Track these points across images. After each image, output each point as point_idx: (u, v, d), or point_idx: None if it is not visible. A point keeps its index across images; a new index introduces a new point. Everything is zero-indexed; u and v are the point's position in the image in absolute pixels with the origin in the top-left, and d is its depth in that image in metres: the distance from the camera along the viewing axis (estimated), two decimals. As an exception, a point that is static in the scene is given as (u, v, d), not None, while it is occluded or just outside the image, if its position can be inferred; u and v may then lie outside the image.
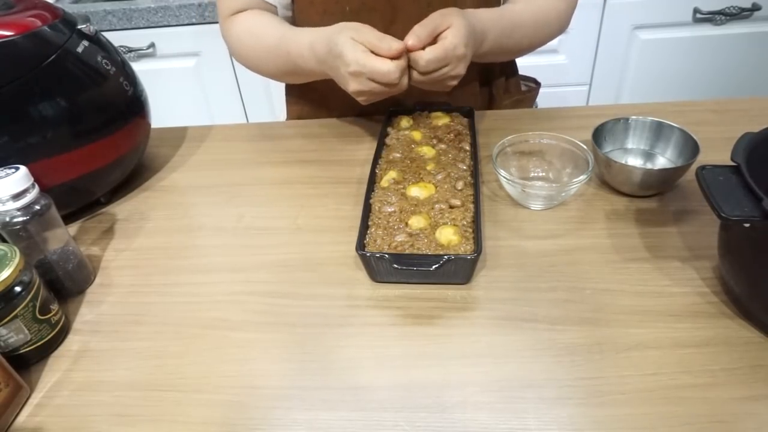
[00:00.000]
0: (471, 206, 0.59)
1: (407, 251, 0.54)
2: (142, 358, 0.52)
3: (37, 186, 0.54)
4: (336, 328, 0.53)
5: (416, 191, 0.61)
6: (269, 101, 1.60)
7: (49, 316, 0.52)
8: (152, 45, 1.48)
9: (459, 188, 0.62)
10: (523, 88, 0.95)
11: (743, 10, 1.39)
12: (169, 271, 0.62)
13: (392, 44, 0.61)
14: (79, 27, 0.66)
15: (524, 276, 0.56)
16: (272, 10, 0.80)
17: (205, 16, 1.42)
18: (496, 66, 0.88)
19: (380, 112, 0.79)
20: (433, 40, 0.63)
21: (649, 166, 0.68)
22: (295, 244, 0.63)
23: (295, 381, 0.48)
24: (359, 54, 0.61)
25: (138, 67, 1.28)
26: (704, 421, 0.42)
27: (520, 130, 0.69)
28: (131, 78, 0.72)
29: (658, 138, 0.68)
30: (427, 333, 0.51)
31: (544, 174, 0.69)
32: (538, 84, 0.96)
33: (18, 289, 0.48)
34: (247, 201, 0.71)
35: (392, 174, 0.64)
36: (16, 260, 0.48)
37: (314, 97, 0.89)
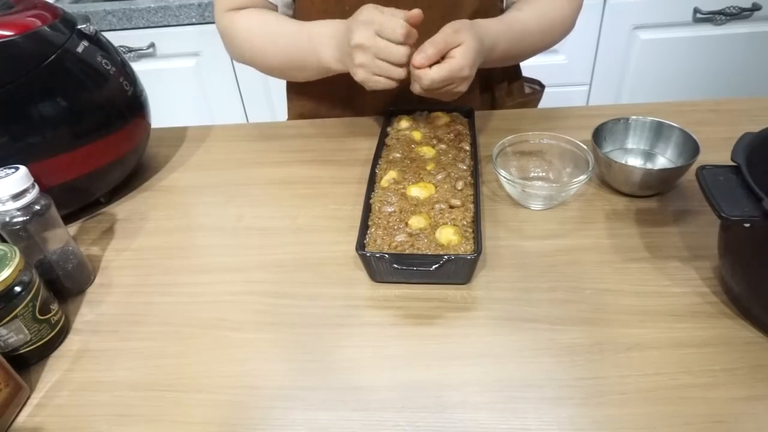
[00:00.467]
0: (471, 206, 0.59)
1: (407, 251, 0.54)
2: (142, 358, 0.52)
3: (37, 186, 0.54)
4: (336, 328, 0.53)
5: (416, 191, 0.61)
6: (269, 101, 1.60)
7: (49, 316, 0.52)
8: (152, 45, 1.48)
9: (459, 188, 0.62)
10: (527, 90, 0.94)
11: (743, 10, 1.39)
12: (169, 271, 0.62)
13: (400, 31, 0.61)
14: (79, 27, 0.66)
15: (524, 276, 0.56)
16: (273, 9, 0.80)
17: (205, 16, 1.42)
18: (499, 70, 0.88)
19: (380, 112, 0.79)
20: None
21: (649, 166, 0.68)
22: (295, 244, 0.63)
23: (295, 381, 0.48)
24: (370, 31, 0.61)
25: (138, 67, 1.28)
26: (704, 421, 0.42)
27: (520, 130, 0.69)
28: (131, 78, 0.72)
29: (658, 138, 0.68)
30: (427, 333, 0.51)
31: (544, 174, 0.69)
32: (542, 87, 0.96)
33: (18, 289, 0.48)
34: (247, 201, 0.71)
35: (392, 174, 0.64)
36: (16, 260, 0.48)
37: (315, 94, 0.89)
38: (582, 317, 0.51)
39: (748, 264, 0.48)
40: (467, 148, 0.69)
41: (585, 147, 0.64)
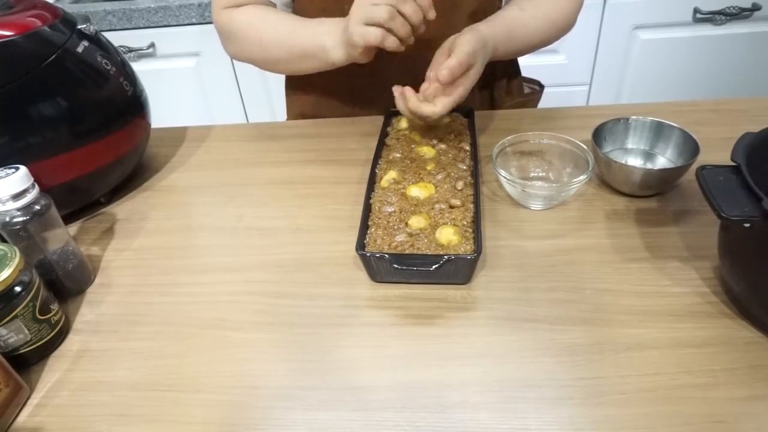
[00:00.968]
0: (471, 206, 0.59)
1: (407, 251, 0.54)
2: (142, 358, 0.52)
3: (37, 186, 0.54)
4: (336, 328, 0.53)
5: (416, 191, 0.61)
6: (269, 101, 1.60)
7: (49, 316, 0.52)
8: (152, 45, 1.48)
9: (459, 188, 0.62)
10: (527, 90, 0.94)
11: (743, 10, 1.39)
12: (169, 271, 0.62)
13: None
14: (79, 27, 0.66)
15: (524, 276, 0.56)
16: (272, 6, 0.80)
17: (205, 16, 1.42)
18: (498, 68, 0.88)
19: (380, 112, 0.79)
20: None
21: (649, 166, 0.68)
22: (295, 244, 0.63)
23: (295, 381, 0.48)
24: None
25: (138, 67, 1.28)
26: (704, 421, 0.42)
27: (520, 130, 0.69)
28: (131, 78, 0.72)
29: (658, 138, 0.68)
30: (427, 333, 0.51)
31: (544, 174, 0.69)
32: (541, 87, 0.95)
33: (18, 289, 0.48)
34: (247, 201, 0.71)
35: (392, 174, 0.64)
36: (16, 260, 0.48)
37: (315, 93, 0.89)
38: (582, 317, 0.51)
39: (748, 264, 0.48)
40: (467, 148, 0.69)
41: (585, 147, 0.64)
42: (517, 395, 0.45)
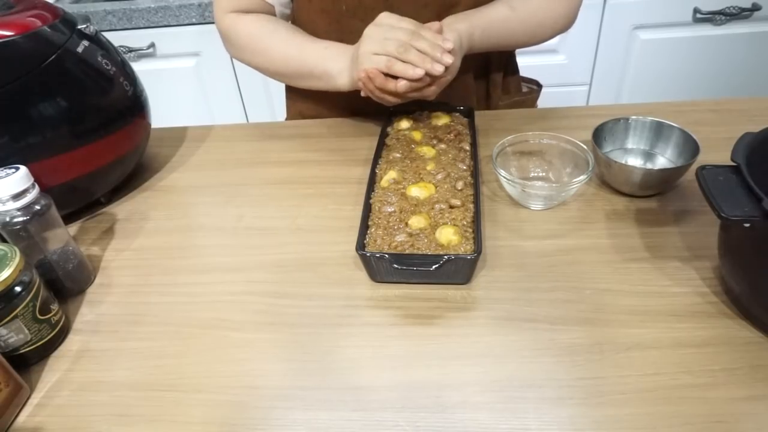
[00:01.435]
0: (471, 206, 0.59)
1: (407, 251, 0.54)
2: (142, 358, 0.52)
3: (37, 186, 0.54)
4: (336, 328, 0.53)
5: (416, 191, 0.61)
6: (269, 101, 1.60)
7: (49, 316, 0.52)
8: (152, 45, 1.48)
9: (459, 188, 0.62)
10: (525, 89, 0.94)
11: (743, 10, 1.39)
12: (169, 271, 0.62)
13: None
14: (79, 27, 0.66)
15: (524, 276, 0.56)
16: (270, 9, 0.80)
17: (205, 16, 1.42)
18: (493, 60, 0.86)
19: (380, 112, 0.79)
20: None
21: (649, 166, 0.68)
22: (295, 244, 0.63)
23: (295, 381, 0.48)
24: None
25: (138, 67, 1.28)
26: (704, 421, 0.42)
27: (520, 130, 0.69)
28: (131, 78, 0.72)
29: (658, 138, 0.68)
30: (427, 333, 0.51)
31: (544, 174, 0.69)
32: (539, 86, 0.95)
33: (18, 289, 0.48)
34: (247, 201, 0.71)
35: (392, 174, 0.64)
36: (16, 260, 0.48)
37: (315, 93, 0.89)
38: (582, 317, 0.51)
39: (748, 264, 0.48)
40: (467, 148, 0.69)
41: (585, 147, 0.64)
42: (517, 395, 0.45)
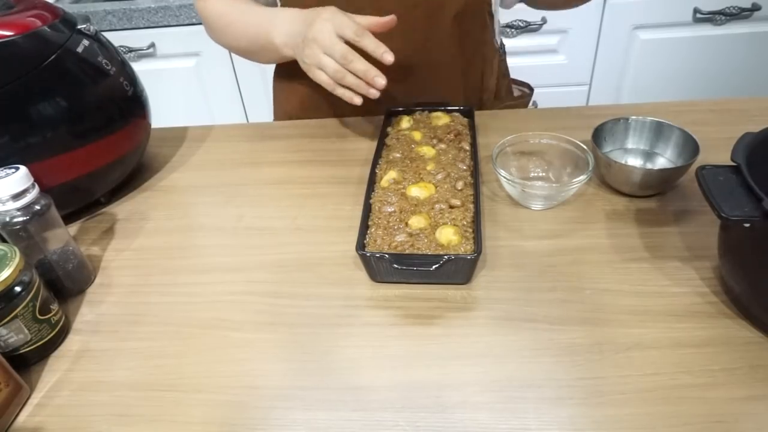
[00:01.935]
0: (471, 206, 0.59)
1: (407, 251, 0.54)
2: (142, 358, 0.52)
3: (37, 186, 0.54)
4: (336, 328, 0.53)
5: (416, 191, 0.61)
6: (269, 101, 1.59)
7: (49, 316, 0.52)
8: (152, 45, 1.48)
9: (459, 188, 0.62)
10: (516, 93, 0.93)
11: (743, 10, 1.39)
12: (169, 271, 0.62)
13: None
14: (79, 27, 0.66)
15: (524, 276, 0.56)
16: None
17: (205, 16, 1.42)
18: (486, 62, 0.84)
19: (380, 112, 0.79)
20: None
21: (649, 166, 0.68)
22: (295, 244, 0.63)
23: (295, 381, 0.48)
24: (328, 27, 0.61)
25: (138, 67, 1.28)
26: (704, 421, 0.42)
27: (520, 130, 0.69)
28: (131, 78, 0.72)
29: (658, 138, 0.68)
30: (427, 333, 0.51)
31: (544, 174, 0.69)
32: (531, 89, 0.94)
33: (18, 289, 0.48)
34: (246, 201, 0.71)
35: (392, 174, 0.64)
36: (16, 260, 0.48)
37: (302, 97, 0.88)
38: (582, 317, 0.51)
39: (748, 264, 0.48)
40: (467, 148, 0.69)
41: (585, 147, 0.64)
42: (517, 395, 0.45)
